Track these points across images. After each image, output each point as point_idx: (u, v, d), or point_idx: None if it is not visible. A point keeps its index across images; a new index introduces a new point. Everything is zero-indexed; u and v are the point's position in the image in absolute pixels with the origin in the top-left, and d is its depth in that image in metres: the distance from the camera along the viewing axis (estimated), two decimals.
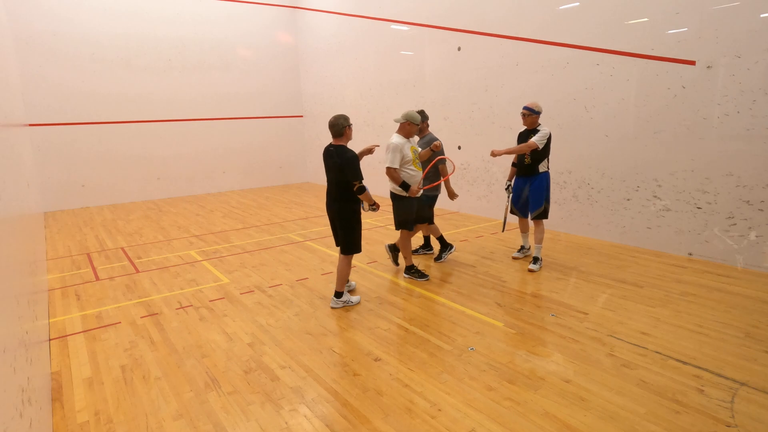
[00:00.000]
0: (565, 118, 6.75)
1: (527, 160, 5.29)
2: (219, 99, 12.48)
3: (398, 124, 5.01)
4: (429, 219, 5.74)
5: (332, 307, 4.50)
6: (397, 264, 5.68)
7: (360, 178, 4.24)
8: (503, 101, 7.72)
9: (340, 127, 4.35)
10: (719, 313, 4.07)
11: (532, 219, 5.42)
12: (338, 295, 4.51)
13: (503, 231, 6.02)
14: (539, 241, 5.38)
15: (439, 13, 8.65)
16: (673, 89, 5.54)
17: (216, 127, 12.56)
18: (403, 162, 4.90)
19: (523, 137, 5.36)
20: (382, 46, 10.29)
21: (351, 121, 4.47)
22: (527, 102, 5.43)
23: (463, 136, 8.62)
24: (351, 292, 4.91)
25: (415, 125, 4.96)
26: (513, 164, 5.60)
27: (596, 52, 6.27)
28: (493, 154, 5.15)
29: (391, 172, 4.86)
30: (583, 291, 4.71)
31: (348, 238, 4.40)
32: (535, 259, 5.40)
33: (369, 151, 4.77)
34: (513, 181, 5.61)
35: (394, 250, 5.65)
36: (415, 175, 4.95)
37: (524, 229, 5.75)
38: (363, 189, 4.27)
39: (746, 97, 4.98)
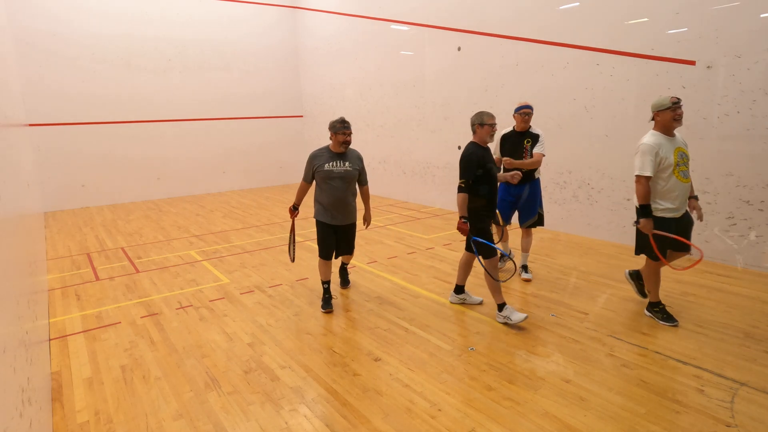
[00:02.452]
0: (565, 118, 6.75)
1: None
2: (219, 99, 12.48)
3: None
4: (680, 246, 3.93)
5: (451, 302, 4.52)
6: (644, 296, 4.34)
7: (466, 177, 3.92)
8: (503, 101, 7.71)
9: (471, 124, 4.05)
10: (719, 313, 4.07)
11: (525, 228, 5.03)
12: (458, 289, 4.51)
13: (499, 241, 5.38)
14: (528, 249, 5.09)
15: (439, 14, 8.65)
16: (673, 89, 5.54)
17: (216, 128, 12.56)
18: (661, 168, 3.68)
19: (516, 140, 4.81)
20: (383, 47, 10.29)
21: (487, 120, 3.96)
22: (520, 101, 5.02)
23: (464, 136, 8.61)
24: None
25: (666, 112, 3.66)
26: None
27: (596, 52, 6.27)
28: (508, 165, 4.69)
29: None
30: (583, 291, 4.71)
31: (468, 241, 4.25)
32: (526, 267, 5.10)
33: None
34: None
35: (636, 278, 4.38)
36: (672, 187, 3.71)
37: (505, 238, 5.27)
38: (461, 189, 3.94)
39: (746, 97, 4.98)
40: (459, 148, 8.72)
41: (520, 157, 4.80)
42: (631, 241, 6.41)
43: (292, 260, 4.74)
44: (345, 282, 5.07)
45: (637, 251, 3.99)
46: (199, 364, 3.49)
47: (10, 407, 1.59)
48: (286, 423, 2.79)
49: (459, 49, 8.38)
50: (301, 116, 14.04)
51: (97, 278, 5.68)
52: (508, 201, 5.00)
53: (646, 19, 5.71)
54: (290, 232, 4.76)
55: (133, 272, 5.85)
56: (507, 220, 5.06)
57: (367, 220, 4.66)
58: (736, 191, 5.17)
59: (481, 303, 4.45)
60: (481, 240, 3.95)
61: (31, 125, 10.00)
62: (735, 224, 5.25)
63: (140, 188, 11.58)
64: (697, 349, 3.49)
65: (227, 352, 3.67)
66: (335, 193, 4.29)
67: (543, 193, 5.20)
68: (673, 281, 4.87)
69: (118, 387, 3.23)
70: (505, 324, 3.99)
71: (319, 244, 4.46)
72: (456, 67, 8.53)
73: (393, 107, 10.23)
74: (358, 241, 7.03)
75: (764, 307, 4.17)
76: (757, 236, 5.07)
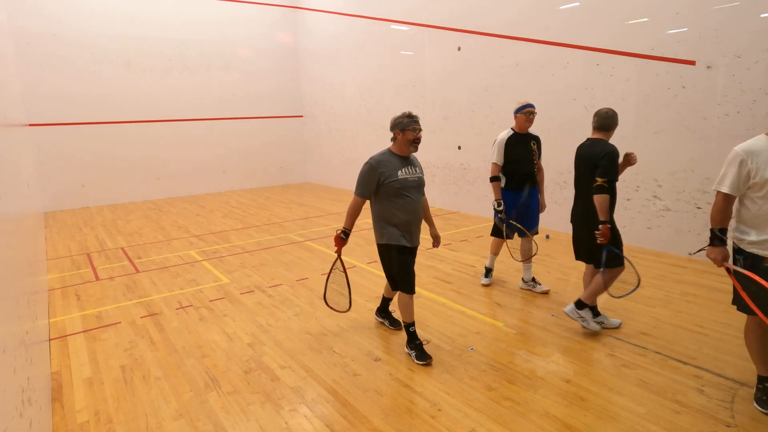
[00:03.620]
0: (565, 118, 6.75)
1: (537, 169, 4.53)
2: (219, 99, 12.48)
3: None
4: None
5: (566, 312, 3.81)
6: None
7: (612, 177, 3.46)
8: (503, 101, 7.71)
9: (604, 122, 3.58)
10: (719, 313, 4.07)
11: (533, 235, 4.60)
12: (580, 305, 3.75)
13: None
14: (531, 259, 4.72)
15: (439, 14, 8.65)
16: (673, 89, 5.54)
17: (216, 128, 12.56)
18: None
19: (522, 143, 4.41)
20: (383, 47, 10.29)
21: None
22: (519, 100, 4.66)
23: (463, 136, 8.62)
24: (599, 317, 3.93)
25: None
26: (493, 179, 4.49)
27: (596, 52, 6.27)
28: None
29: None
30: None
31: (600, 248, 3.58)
32: (534, 279, 4.76)
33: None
34: (501, 198, 4.52)
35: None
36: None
37: (498, 251, 4.89)
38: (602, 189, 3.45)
39: (746, 97, 4.97)
40: (459, 148, 8.73)
41: (530, 161, 4.43)
42: (631, 241, 6.44)
43: (349, 308, 3.66)
44: (394, 320, 4.03)
45: (735, 302, 2.82)
46: (199, 364, 3.49)
47: (10, 407, 1.59)
48: (286, 423, 2.79)
49: (459, 49, 8.38)
50: (301, 116, 14.04)
51: (97, 278, 5.68)
52: (524, 208, 4.55)
53: (646, 19, 5.71)
54: (338, 269, 3.66)
55: (133, 272, 5.85)
56: (530, 230, 4.58)
57: (437, 237, 3.85)
58: None
59: (619, 326, 3.87)
60: (615, 250, 3.52)
61: (31, 125, 10.00)
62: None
63: (140, 188, 11.58)
64: (697, 349, 3.49)
65: (227, 352, 3.67)
66: (412, 207, 3.45)
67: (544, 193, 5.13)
68: (673, 281, 4.87)
69: (118, 387, 3.23)
70: (583, 324, 3.72)
71: (399, 276, 3.49)
72: (456, 67, 8.53)
73: (393, 107, 10.21)
74: (358, 241, 7.07)
75: None
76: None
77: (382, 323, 4.10)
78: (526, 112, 4.38)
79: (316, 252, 6.46)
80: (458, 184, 8.90)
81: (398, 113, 3.46)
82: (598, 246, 3.54)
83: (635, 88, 5.92)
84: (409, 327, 3.52)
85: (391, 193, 3.39)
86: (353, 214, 3.45)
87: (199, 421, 2.83)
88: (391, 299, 4.05)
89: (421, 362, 3.36)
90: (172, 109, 11.83)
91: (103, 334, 4.09)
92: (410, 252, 3.54)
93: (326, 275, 3.50)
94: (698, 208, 5.48)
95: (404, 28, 9.62)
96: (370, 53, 10.72)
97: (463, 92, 8.47)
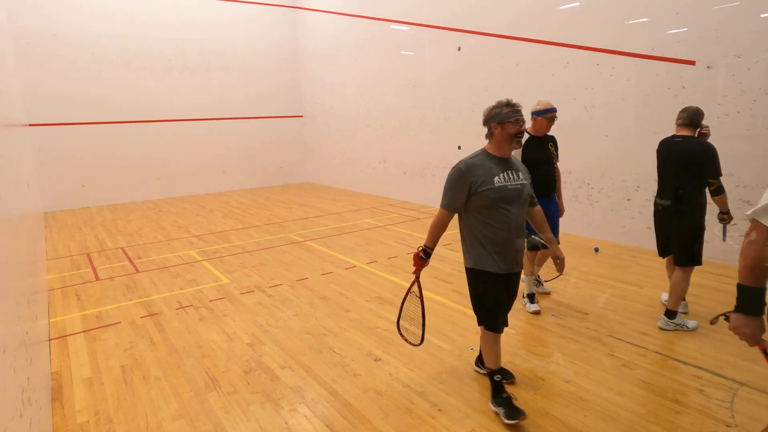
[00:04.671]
0: (565, 119, 6.73)
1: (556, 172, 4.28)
2: (219, 99, 12.48)
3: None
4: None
5: (661, 328, 3.79)
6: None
7: (720, 174, 3.60)
8: None
9: (695, 120, 3.74)
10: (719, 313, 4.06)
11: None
12: (671, 314, 3.72)
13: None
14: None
15: (439, 14, 8.65)
16: (673, 89, 5.54)
17: (216, 128, 12.56)
18: None
19: (539, 146, 4.12)
20: (383, 47, 10.29)
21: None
22: (541, 100, 4.18)
23: (463, 136, 8.62)
24: (686, 314, 4.00)
25: None
26: None
27: (596, 52, 6.27)
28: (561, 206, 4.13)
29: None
30: (583, 291, 4.71)
31: (690, 246, 3.65)
32: (537, 278, 4.59)
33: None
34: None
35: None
36: None
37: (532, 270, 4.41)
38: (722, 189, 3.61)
39: (746, 97, 4.97)
40: (459, 148, 8.73)
41: (550, 164, 4.18)
42: (631, 241, 6.44)
43: (421, 342, 2.94)
44: (508, 373, 3.16)
45: None
46: (199, 364, 3.49)
47: (10, 407, 1.59)
48: (286, 423, 2.79)
49: (459, 49, 8.38)
50: (301, 116, 14.04)
51: (97, 278, 5.68)
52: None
53: (646, 19, 5.71)
54: (414, 294, 2.96)
55: (133, 272, 5.85)
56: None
57: (560, 259, 3.01)
58: (736, 191, 5.16)
59: (696, 328, 3.77)
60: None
61: (31, 125, 10.00)
62: (735, 224, 5.25)
63: (140, 188, 11.58)
64: (697, 349, 3.49)
65: (227, 352, 3.67)
66: (512, 222, 2.69)
67: (562, 197, 4.75)
68: None
69: (118, 387, 3.23)
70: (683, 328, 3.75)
71: (483, 307, 2.85)
72: (456, 67, 8.53)
73: (393, 107, 10.23)
74: (358, 240, 7.07)
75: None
76: (757, 236, 5.06)
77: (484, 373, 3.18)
78: (548, 117, 4.06)
79: (316, 252, 6.46)
80: None
81: (493, 103, 2.79)
82: (689, 242, 3.67)
83: (635, 88, 5.92)
84: (494, 375, 2.84)
85: (485, 204, 2.65)
86: (437, 229, 2.76)
87: (199, 421, 2.83)
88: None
89: (511, 421, 2.66)
90: (172, 109, 11.83)
91: (103, 334, 4.09)
92: (502, 280, 2.79)
93: (402, 299, 3.00)
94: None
95: (404, 28, 9.62)
96: (370, 53, 10.72)
97: (463, 92, 8.47)
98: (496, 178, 2.65)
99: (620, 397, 2.91)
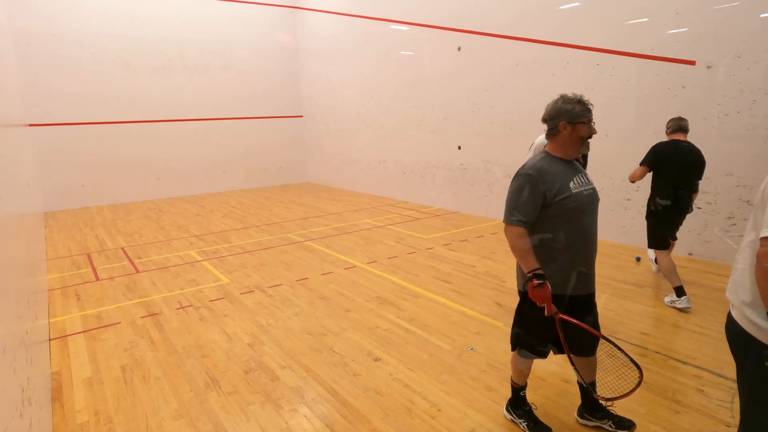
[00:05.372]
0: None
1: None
2: (219, 99, 12.48)
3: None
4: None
5: (671, 305, 4.24)
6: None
7: None
8: (503, 101, 7.72)
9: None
10: (719, 313, 4.07)
11: None
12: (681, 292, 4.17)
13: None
14: None
15: (439, 14, 8.65)
16: (673, 89, 5.54)
17: (216, 128, 12.56)
18: None
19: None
20: (382, 47, 10.29)
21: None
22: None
23: (463, 136, 8.62)
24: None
25: None
26: None
27: (596, 52, 6.27)
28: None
29: None
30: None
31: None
32: None
33: None
34: None
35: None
36: None
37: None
38: None
39: (746, 97, 4.98)
40: (459, 148, 8.73)
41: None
42: (631, 241, 6.44)
43: (639, 381, 2.12)
44: (618, 418, 2.59)
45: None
46: (199, 364, 3.49)
47: (10, 407, 1.59)
48: (286, 423, 2.79)
49: (459, 49, 8.38)
50: (301, 116, 14.04)
51: (97, 278, 5.68)
52: None
53: (646, 19, 5.71)
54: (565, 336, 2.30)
55: (133, 272, 5.85)
56: None
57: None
58: (736, 191, 5.17)
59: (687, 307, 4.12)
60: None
61: (31, 125, 10.00)
62: (735, 224, 5.25)
63: (140, 188, 11.58)
64: (697, 349, 3.49)
65: (227, 352, 3.67)
66: (588, 234, 2.35)
67: None
68: None
69: (118, 387, 3.23)
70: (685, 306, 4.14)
71: (530, 332, 2.49)
72: (456, 67, 8.53)
73: (393, 107, 10.23)
74: (358, 240, 7.07)
75: None
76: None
77: (600, 426, 2.62)
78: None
79: (316, 252, 6.46)
80: (458, 184, 8.90)
81: (556, 96, 2.48)
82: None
83: (635, 88, 5.92)
84: (520, 390, 2.64)
85: (562, 214, 2.27)
86: (527, 249, 2.26)
87: (199, 421, 2.83)
88: (589, 386, 2.53)
89: None
90: (172, 109, 11.83)
91: (103, 334, 4.09)
92: (575, 304, 2.36)
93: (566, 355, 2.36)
94: (698, 208, 5.48)
95: (404, 28, 9.62)
96: (370, 53, 10.72)
97: (463, 92, 8.47)
98: (571, 183, 2.29)
99: None
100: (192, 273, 5.73)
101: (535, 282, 2.21)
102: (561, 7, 6.63)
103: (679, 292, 4.18)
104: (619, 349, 2.21)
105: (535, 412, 2.67)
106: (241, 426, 2.77)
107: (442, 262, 5.82)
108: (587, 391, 2.46)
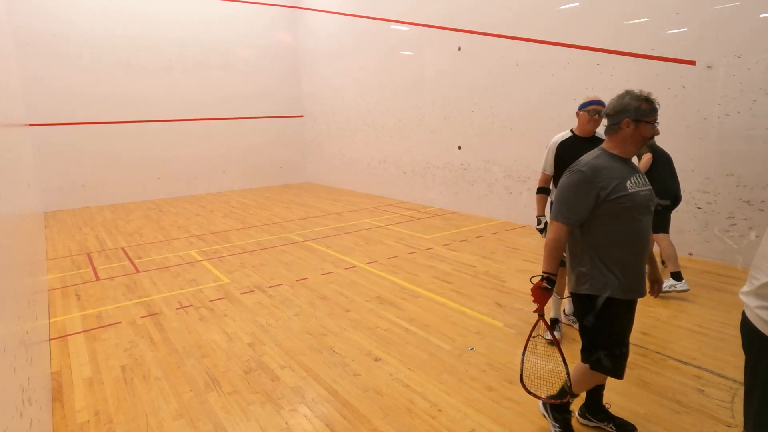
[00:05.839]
0: (565, 119, 6.73)
1: None
2: (219, 99, 12.49)
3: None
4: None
5: (670, 289, 4.40)
6: None
7: None
8: (503, 101, 7.71)
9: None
10: (719, 313, 4.07)
11: None
12: (676, 276, 4.35)
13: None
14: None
15: (439, 14, 8.65)
16: (673, 89, 5.54)
17: (216, 127, 12.56)
18: None
19: (581, 148, 3.06)
20: (383, 47, 10.30)
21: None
22: (591, 95, 3.58)
23: (463, 136, 8.62)
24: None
25: None
26: (540, 190, 3.75)
27: (596, 52, 6.27)
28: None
29: None
30: None
31: None
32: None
33: None
34: (543, 215, 3.76)
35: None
36: None
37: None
38: None
39: (746, 97, 4.98)
40: (459, 148, 8.73)
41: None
42: None
43: (569, 394, 2.50)
44: (621, 421, 2.62)
45: None
46: (199, 364, 3.49)
47: (10, 407, 1.59)
48: (286, 423, 2.79)
49: (459, 49, 8.38)
50: (302, 116, 14.04)
51: (97, 278, 5.68)
52: None
53: (646, 19, 5.71)
54: (539, 335, 2.51)
55: (133, 272, 5.85)
56: None
57: (658, 282, 2.66)
58: (736, 191, 5.17)
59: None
60: None
61: (31, 125, 10.00)
62: (735, 224, 5.25)
63: (140, 188, 11.58)
64: (697, 349, 3.49)
65: (227, 352, 3.67)
66: (644, 237, 2.28)
67: None
68: None
69: (118, 387, 3.23)
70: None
71: (608, 343, 2.36)
72: (456, 67, 8.53)
73: (393, 107, 10.23)
74: (358, 240, 7.07)
75: None
76: (757, 236, 5.07)
77: (600, 428, 2.63)
78: (589, 110, 3.41)
79: (316, 252, 6.46)
80: (458, 184, 8.90)
81: (620, 91, 2.35)
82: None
83: (635, 88, 5.91)
84: (571, 398, 2.53)
85: (618, 214, 2.21)
86: (557, 251, 2.27)
87: (199, 421, 2.83)
88: (602, 386, 2.61)
89: None
90: (172, 109, 11.83)
91: (103, 334, 4.09)
92: (627, 308, 2.35)
93: (524, 344, 2.55)
94: (698, 208, 5.48)
95: (404, 28, 9.62)
96: (370, 53, 10.72)
97: (463, 92, 8.47)
98: (628, 182, 2.21)
99: (620, 397, 2.91)
100: (192, 273, 5.73)
101: (544, 284, 2.26)
102: (561, 7, 6.63)
103: (677, 276, 4.34)
104: (566, 368, 2.41)
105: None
106: (241, 426, 2.77)
107: (442, 262, 5.82)
108: (568, 391, 2.50)
